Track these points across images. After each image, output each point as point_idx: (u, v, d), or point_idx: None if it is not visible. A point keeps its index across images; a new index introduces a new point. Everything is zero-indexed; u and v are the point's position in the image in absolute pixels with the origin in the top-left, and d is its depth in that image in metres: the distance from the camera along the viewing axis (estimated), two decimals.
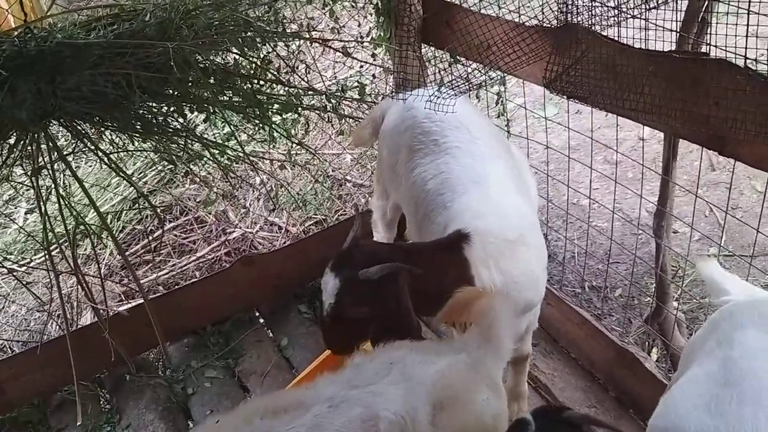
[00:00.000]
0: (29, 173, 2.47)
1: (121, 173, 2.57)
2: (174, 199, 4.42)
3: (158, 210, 4.29)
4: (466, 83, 2.75)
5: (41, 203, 2.56)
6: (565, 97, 2.37)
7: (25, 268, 4.08)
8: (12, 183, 2.70)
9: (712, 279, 2.12)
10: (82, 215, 3.54)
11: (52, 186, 2.56)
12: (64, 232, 3.57)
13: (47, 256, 2.92)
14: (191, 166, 4.41)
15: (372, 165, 4.46)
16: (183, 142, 2.66)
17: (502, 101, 3.31)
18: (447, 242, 2.25)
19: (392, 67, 3.15)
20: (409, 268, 2.05)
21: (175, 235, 4.32)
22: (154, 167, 4.44)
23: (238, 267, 3.23)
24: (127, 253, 4.17)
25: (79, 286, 3.56)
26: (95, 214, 3.80)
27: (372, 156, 4.50)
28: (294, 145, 3.77)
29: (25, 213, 4.52)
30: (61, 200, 2.58)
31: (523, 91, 4.00)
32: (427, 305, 2.15)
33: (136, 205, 4.27)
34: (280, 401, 1.68)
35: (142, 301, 3.58)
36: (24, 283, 3.69)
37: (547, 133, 3.39)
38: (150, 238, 4.21)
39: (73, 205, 3.00)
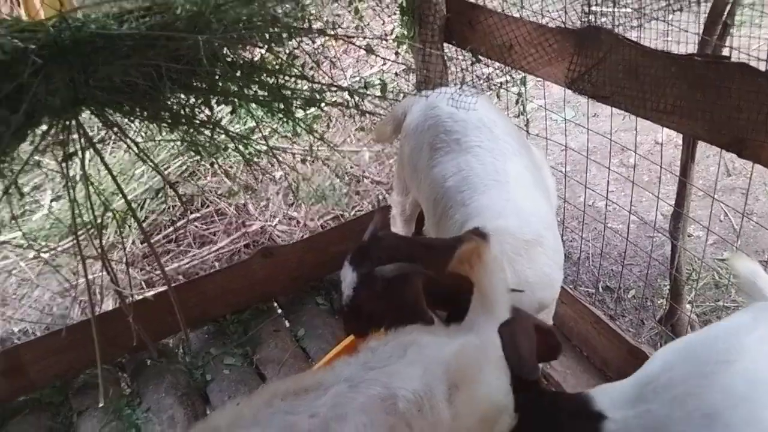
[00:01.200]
0: (59, 160, 2.53)
1: (149, 162, 2.63)
2: (198, 191, 4.49)
3: (182, 200, 4.36)
4: (487, 82, 2.80)
5: (70, 190, 2.63)
6: (587, 97, 2.41)
7: (52, 252, 4.17)
8: (43, 169, 2.76)
9: (752, 279, 1.99)
10: (108, 203, 3.63)
11: (80, 173, 2.64)
12: (91, 218, 3.68)
13: (75, 241, 3.00)
14: (215, 159, 4.51)
15: (390, 162, 4.52)
16: (209, 134, 2.71)
17: (522, 101, 3.34)
18: (464, 240, 2.29)
19: (414, 66, 3.20)
20: (423, 271, 2.08)
21: (196, 226, 4.39)
22: (178, 159, 4.52)
23: (258, 258, 3.29)
24: (155, 241, 4.26)
25: (104, 272, 3.66)
26: (121, 202, 3.90)
27: (390, 153, 4.55)
28: (315, 140, 3.82)
29: (51, 200, 4.61)
30: (90, 187, 2.64)
31: (543, 93, 4.04)
32: (441, 301, 2.19)
33: (160, 194, 4.34)
34: (300, 383, 1.69)
35: (163, 289, 3.67)
36: (52, 266, 3.78)
37: (566, 135, 3.42)
38: (173, 227, 4.28)
39: (99, 193, 3.09)
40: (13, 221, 4.05)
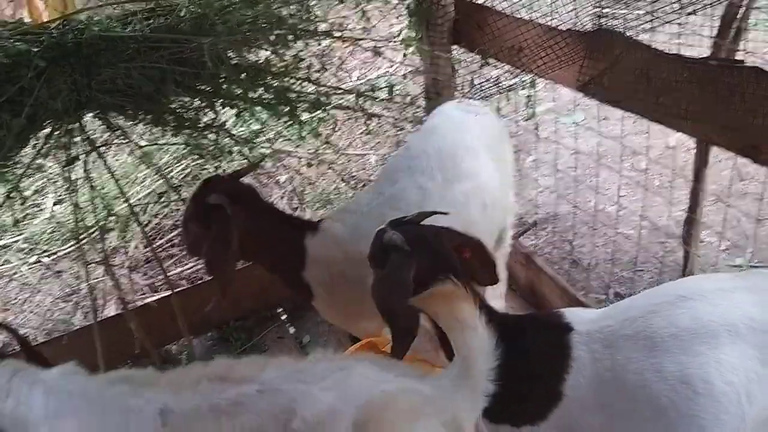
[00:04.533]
0: (62, 164, 2.50)
1: (152, 166, 2.59)
2: None
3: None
4: (496, 85, 2.75)
5: (72, 194, 2.59)
6: (598, 100, 2.36)
7: (54, 257, 4.14)
8: (44, 173, 2.72)
9: None
10: (110, 207, 3.60)
11: (82, 177, 2.61)
12: (93, 222, 3.63)
13: (77, 246, 2.97)
14: (219, 162, 4.48)
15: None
16: (214, 137, 2.68)
17: (531, 104, 3.30)
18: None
19: (423, 68, 3.16)
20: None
21: None
22: (181, 162, 4.48)
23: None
24: (148, 249, 4.22)
25: (106, 277, 3.62)
26: (124, 205, 3.87)
27: None
28: (321, 143, 3.78)
29: (53, 204, 4.58)
30: (93, 191, 2.61)
31: (552, 96, 4.00)
32: None
33: (163, 198, 4.30)
34: (232, 370, 1.70)
35: (165, 294, 3.63)
36: (54, 271, 3.74)
37: (576, 138, 3.37)
38: (176, 231, 4.24)
39: (102, 196, 3.06)
40: (14, 226, 4.04)
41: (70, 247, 4.20)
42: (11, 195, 2.34)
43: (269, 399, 1.62)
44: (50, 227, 4.33)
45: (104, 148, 2.65)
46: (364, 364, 1.73)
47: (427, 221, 2.06)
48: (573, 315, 1.95)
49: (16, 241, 4.29)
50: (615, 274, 3.59)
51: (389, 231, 2.01)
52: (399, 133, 4.14)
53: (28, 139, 2.32)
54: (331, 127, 4.03)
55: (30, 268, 4.17)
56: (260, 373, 1.68)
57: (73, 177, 2.80)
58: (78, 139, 2.50)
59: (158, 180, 4.28)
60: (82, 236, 4.17)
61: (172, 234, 4.26)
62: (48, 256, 4.21)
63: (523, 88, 3.17)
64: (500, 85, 2.74)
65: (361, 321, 2.48)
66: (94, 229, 4.00)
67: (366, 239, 2.21)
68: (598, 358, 1.83)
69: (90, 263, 2.92)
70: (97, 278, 3.98)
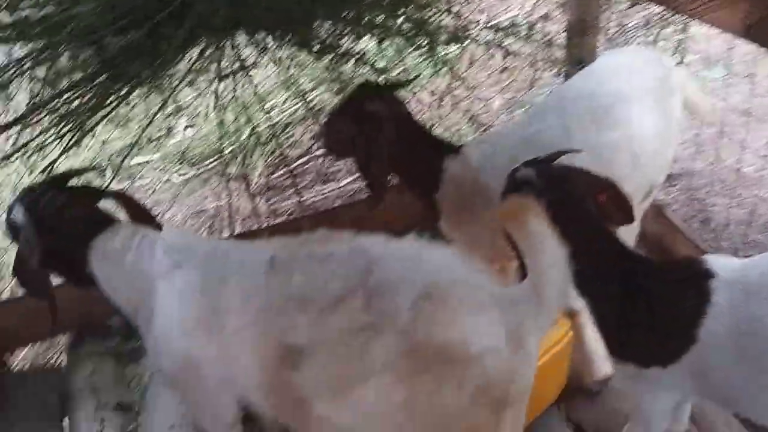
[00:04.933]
0: (211, 81, 2.60)
1: (294, 89, 2.66)
2: None
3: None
4: (645, 28, 2.63)
5: (218, 110, 2.71)
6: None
7: (185, 177, 4.37)
8: (195, 88, 2.85)
9: None
10: (241, 131, 3.74)
11: (216, 101, 2.71)
12: (225, 145, 3.80)
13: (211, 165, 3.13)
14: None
15: (520, 113, 4.39)
16: (353, 64, 2.72)
17: (681, 51, 3.14)
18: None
19: (568, 8, 3.04)
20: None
21: (320, 163, 4.46)
22: (312, 92, 4.56)
23: (393, 194, 3.27)
24: (274, 176, 4.38)
25: (235, 198, 3.80)
26: (253, 131, 4.01)
27: (522, 103, 4.43)
28: (451, 80, 3.75)
29: (184, 128, 4.80)
30: (236, 108, 2.71)
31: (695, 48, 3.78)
32: None
33: (289, 128, 4.41)
34: (333, 235, 1.89)
35: (287, 219, 3.77)
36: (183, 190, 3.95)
37: (718, 93, 3.20)
38: (300, 161, 4.36)
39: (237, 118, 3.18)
40: (151, 143, 4.29)
41: (200, 168, 4.42)
42: (165, 105, 2.46)
43: (355, 257, 1.79)
44: (182, 148, 4.56)
45: (252, 67, 2.73)
46: (448, 253, 1.84)
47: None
48: (715, 261, 1.90)
49: (152, 160, 4.56)
50: (747, 237, 3.42)
51: (523, 169, 2.01)
52: (535, 73, 4.04)
53: (184, 52, 2.43)
54: (465, 63, 3.97)
55: (162, 186, 4.42)
56: (355, 239, 1.87)
57: (205, 104, 2.96)
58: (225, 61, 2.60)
59: (285, 110, 4.40)
60: (212, 159, 4.41)
61: (297, 163, 4.39)
62: (180, 175, 4.45)
63: (674, 33, 3.01)
64: (649, 28, 2.60)
65: (478, 249, 2.50)
66: (225, 152, 4.21)
67: (497, 172, 2.22)
68: (739, 307, 1.78)
69: (231, 179, 3.03)
70: (223, 200, 4.19)
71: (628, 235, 2.54)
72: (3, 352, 2.95)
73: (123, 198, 2.14)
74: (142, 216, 2.14)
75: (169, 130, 4.67)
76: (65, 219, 2.00)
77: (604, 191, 1.99)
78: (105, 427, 2.70)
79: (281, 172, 4.38)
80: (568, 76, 2.95)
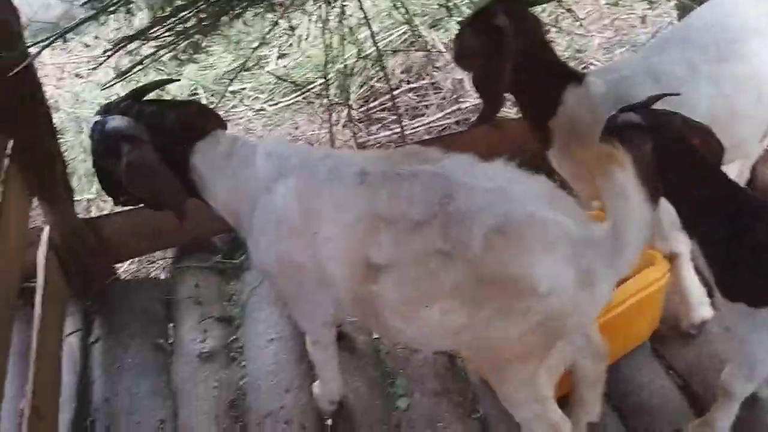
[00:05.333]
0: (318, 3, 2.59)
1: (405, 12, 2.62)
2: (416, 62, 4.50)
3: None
4: None
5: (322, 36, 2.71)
6: None
7: (276, 107, 4.44)
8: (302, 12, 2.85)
9: None
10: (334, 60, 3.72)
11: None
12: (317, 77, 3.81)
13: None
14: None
15: (621, 53, 4.24)
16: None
17: None
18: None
19: None
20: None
21: (410, 98, 4.44)
22: (400, 27, 4.52)
23: (485, 128, 3.26)
24: (362, 109, 4.39)
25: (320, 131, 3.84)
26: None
27: (622, 43, 4.28)
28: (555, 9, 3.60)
29: (277, 58, 4.84)
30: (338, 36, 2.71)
31: None
32: None
33: (379, 62, 4.39)
34: (421, 151, 1.97)
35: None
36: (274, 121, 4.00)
37: None
38: (389, 95, 4.35)
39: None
40: (244, 72, 4.34)
41: (291, 99, 4.48)
42: (278, 22, 2.47)
43: (439, 180, 1.82)
44: (273, 78, 4.61)
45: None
46: (533, 185, 1.84)
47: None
48: None
49: (244, 88, 4.63)
50: None
51: (623, 114, 1.98)
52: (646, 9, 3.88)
53: None
54: None
55: (255, 115, 4.50)
56: (442, 158, 1.91)
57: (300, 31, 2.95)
58: None
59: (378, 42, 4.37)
60: (304, 89, 4.45)
61: (385, 98, 4.38)
62: (271, 105, 4.52)
63: None
64: None
65: (582, 182, 2.47)
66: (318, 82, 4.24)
67: (619, 102, 2.18)
68: None
69: (334, 104, 3.02)
70: (313, 131, 4.25)
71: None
72: (113, 262, 3.13)
73: (202, 109, 2.19)
74: (217, 124, 2.18)
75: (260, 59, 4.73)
76: (167, 126, 2.04)
77: (699, 137, 1.94)
78: (207, 337, 2.85)
79: (371, 105, 4.40)
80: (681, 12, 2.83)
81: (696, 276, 2.61)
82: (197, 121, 2.11)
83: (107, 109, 2.06)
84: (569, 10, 2.91)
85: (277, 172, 2.00)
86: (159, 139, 2.02)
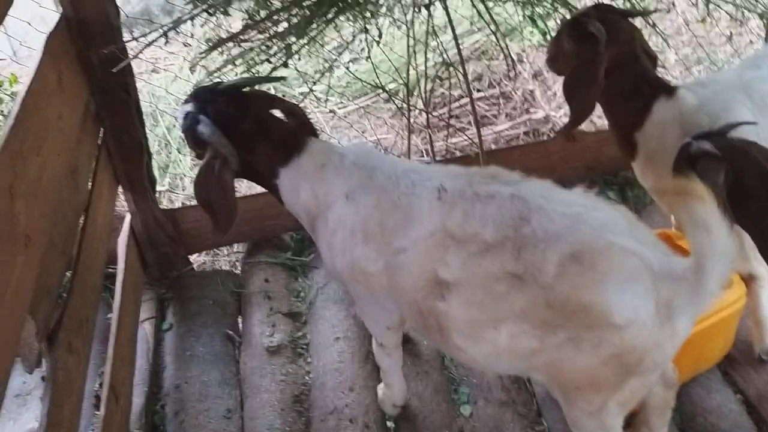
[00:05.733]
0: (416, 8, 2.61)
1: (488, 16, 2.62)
2: (487, 71, 4.51)
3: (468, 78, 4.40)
4: None
5: (411, 38, 2.74)
6: None
7: (344, 110, 4.50)
8: (391, 18, 2.89)
9: None
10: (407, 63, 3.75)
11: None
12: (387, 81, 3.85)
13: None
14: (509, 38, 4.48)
15: (699, 70, 4.16)
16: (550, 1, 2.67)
17: None
18: None
19: None
20: None
21: (479, 106, 4.45)
22: (472, 35, 4.54)
23: (560, 140, 3.27)
24: (432, 116, 4.40)
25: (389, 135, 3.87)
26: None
27: (700, 59, 4.20)
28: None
29: (348, 62, 4.91)
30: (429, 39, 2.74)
31: None
32: None
33: (449, 69, 4.40)
34: (501, 173, 1.93)
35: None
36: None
37: None
38: (457, 103, 4.37)
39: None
40: (317, 74, 4.41)
41: (360, 103, 4.54)
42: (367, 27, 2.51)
43: (516, 203, 1.81)
44: (344, 81, 4.68)
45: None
46: (612, 214, 1.79)
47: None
48: None
49: (313, 90, 4.71)
50: None
51: (697, 141, 1.96)
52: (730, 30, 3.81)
53: None
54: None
55: (324, 116, 4.57)
56: (521, 182, 1.89)
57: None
58: None
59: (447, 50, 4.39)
60: (375, 93, 4.50)
61: (454, 105, 4.40)
62: (340, 108, 4.59)
63: None
64: None
65: (663, 195, 2.45)
66: (389, 87, 4.28)
67: (708, 117, 2.18)
68: None
69: (413, 109, 3.03)
70: (380, 136, 4.30)
71: None
72: (189, 253, 3.22)
73: (293, 109, 2.19)
74: (307, 130, 2.20)
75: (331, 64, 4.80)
76: (254, 129, 2.05)
77: None
78: (275, 332, 2.91)
79: (440, 112, 4.42)
80: None
81: None
82: (291, 136, 2.11)
83: (203, 98, 2.06)
84: (653, 26, 2.87)
85: (360, 182, 2.03)
86: (248, 155, 2.04)
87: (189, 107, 2.06)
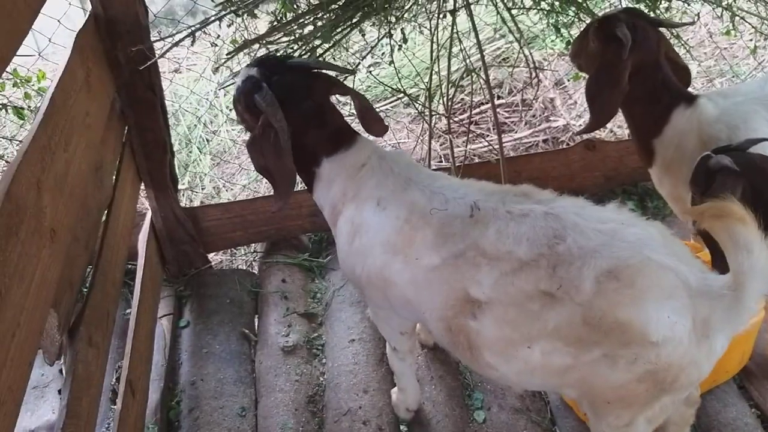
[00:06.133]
0: (441, 14, 2.63)
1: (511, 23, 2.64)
2: (508, 78, 4.51)
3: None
4: None
5: (434, 44, 2.76)
6: None
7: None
8: (411, 23, 2.91)
9: None
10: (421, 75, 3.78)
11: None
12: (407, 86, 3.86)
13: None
14: (530, 47, 4.48)
15: (721, 82, 4.14)
16: (574, 10, 2.68)
17: None
18: None
19: None
20: None
21: (499, 113, 4.45)
22: (493, 42, 4.55)
23: (580, 149, 3.27)
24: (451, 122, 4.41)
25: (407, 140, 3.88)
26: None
27: (723, 72, 4.18)
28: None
29: (368, 66, 4.93)
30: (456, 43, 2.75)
31: None
32: None
33: (470, 75, 4.42)
34: (534, 192, 1.91)
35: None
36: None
37: None
38: (478, 109, 4.38)
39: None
40: (339, 77, 4.43)
41: (380, 106, 4.56)
42: (391, 33, 2.53)
43: (550, 221, 1.78)
44: (365, 85, 4.70)
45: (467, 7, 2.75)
46: (649, 230, 1.77)
47: None
48: None
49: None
50: None
51: (715, 156, 1.95)
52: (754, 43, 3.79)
53: None
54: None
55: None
56: (555, 200, 1.87)
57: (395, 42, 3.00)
58: None
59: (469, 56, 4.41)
60: (394, 98, 4.52)
61: (475, 111, 4.42)
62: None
63: None
64: None
65: (680, 202, 2.45)
66: (409, 91, 4.30)
67: (727, 128, 2.18)
68: None
69: (435, 114, 3.02)
70: (402, 140, 4.31)
71: None
72: (208, 250, 3.26)
73: (358, 96, 2.16)
74: (371, 117, 2.18)
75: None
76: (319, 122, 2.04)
77: None
78: (291, 332, 2.93)
79: (460, 118, 4.43)
80: None
81: None
82: (345, 129, 2.10)
83: (269, 66, 2.02)
84: (678, 37, 2.87)
85: (394, 191, 2.01)
86: (298, 136, 2.01)
87: (253, 71, 2.03)
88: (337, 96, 2.23)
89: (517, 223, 1.81)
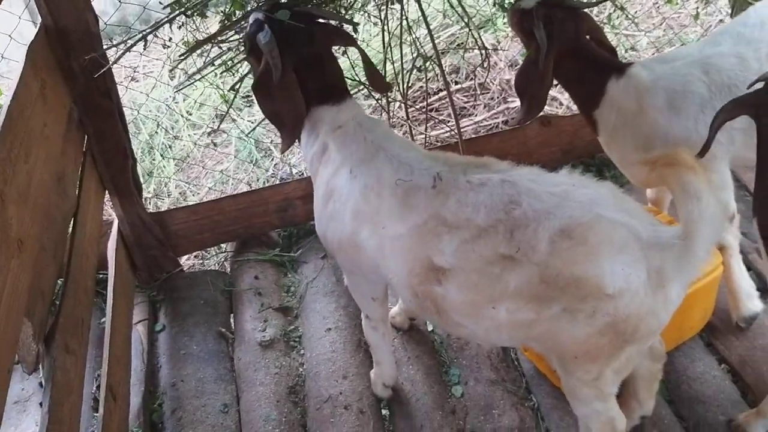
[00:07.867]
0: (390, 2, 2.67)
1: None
2: (464, 63, 4.58)
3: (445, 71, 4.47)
4: None
5: (386, 32, 2.80)
6: None
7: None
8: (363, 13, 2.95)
9: None
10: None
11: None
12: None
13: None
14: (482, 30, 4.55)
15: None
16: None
17: None
18: None
19: None
20: None
21: (458, 98, 4.52)
22: (447, 29, 4.61)
23: (535, 126, 3.35)
24: (411, 109, 4.47)
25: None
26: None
27: (672, 41, 4.29)
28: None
29: None
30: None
31: None
32: None
33: (427, 63, 4.47)
34: (492, 162, 1.99)
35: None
36: None
37: None
38: (436, 96, 4.44)
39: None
40: None
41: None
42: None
43: (506, 188, 1.86)
44: None
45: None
46: (600, 190, 1.85)
47: None
48: None
49: None
50: None
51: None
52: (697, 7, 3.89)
53: None
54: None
55: None
56: (510, 169, 1.95)
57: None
58: None
59: (425, 44, 4.46)
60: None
61: (433, 98, 4.47)
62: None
63: None
64: None
65: (631, 168, 2.53)
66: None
67: (664, 93, 2.27)
68: None
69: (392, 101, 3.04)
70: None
71: None
72: (178, 254, 3.27)
73: (361, 50, 2.23)
74: (372, 72, 2.27)
75: None
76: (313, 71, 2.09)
77: None
78: (267, 327, 2.97)
79: (419, 105, 4.48)
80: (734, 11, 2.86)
81: (745, 269, 2.65)
82: (339, 85, 2.16)
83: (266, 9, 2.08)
84: (621, 8, 2.95)
85: (364, 157, 2.05)
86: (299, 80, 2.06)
87: (260, 15, 2.09)
88: None
89: (475, 192, 1.88)
